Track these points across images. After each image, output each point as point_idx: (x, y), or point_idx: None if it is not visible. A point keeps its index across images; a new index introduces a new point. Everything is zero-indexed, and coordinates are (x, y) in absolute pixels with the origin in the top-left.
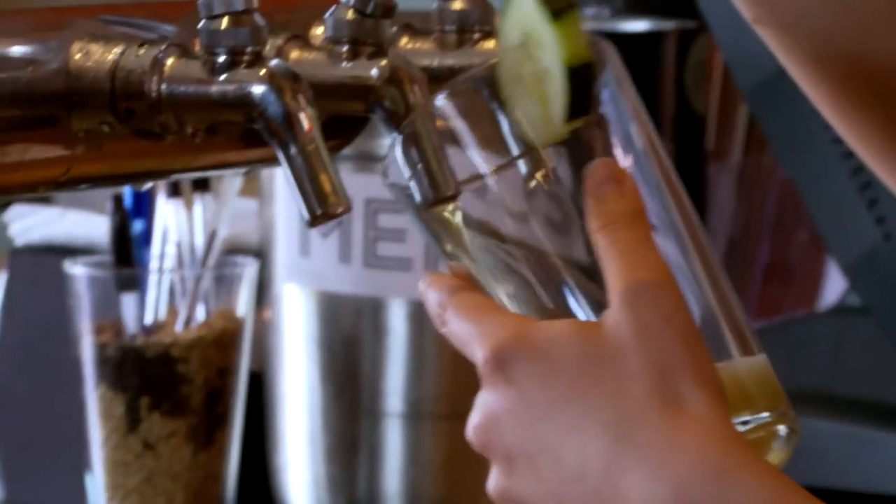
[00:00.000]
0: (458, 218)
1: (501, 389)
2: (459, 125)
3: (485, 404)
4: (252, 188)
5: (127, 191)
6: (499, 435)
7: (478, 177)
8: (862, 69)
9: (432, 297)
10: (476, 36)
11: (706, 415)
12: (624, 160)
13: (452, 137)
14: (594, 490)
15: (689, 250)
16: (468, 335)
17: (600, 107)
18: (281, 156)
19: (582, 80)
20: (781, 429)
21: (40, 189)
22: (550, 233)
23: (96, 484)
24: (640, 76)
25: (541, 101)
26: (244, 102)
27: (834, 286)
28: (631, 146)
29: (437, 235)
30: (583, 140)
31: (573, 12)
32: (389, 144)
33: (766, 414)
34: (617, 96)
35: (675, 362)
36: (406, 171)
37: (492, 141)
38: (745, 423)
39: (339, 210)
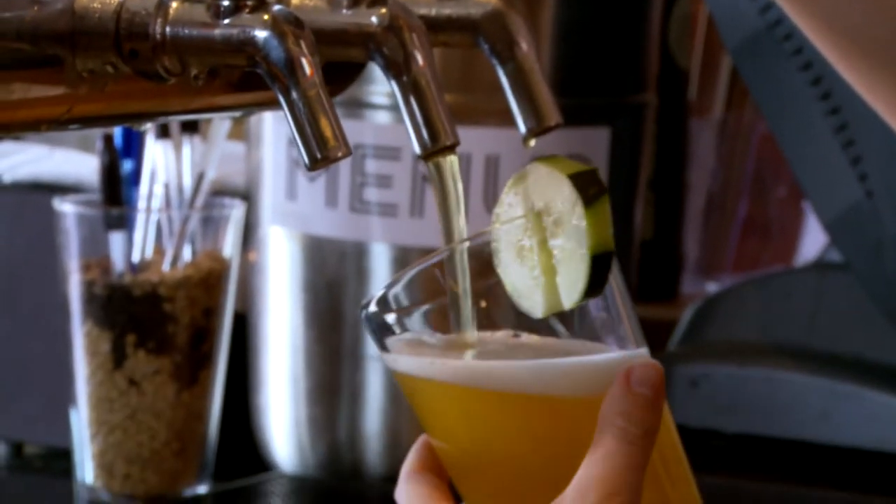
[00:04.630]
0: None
1: None
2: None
3: None
4: (240, 131)
5: (117, 131)
6: None
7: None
8: (869, 36)
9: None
10: None
11: None
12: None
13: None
14: None
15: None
16: None
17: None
18: (282, 100)
19: (602, 267)
20: None
21: (42, 127)
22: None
23: (80, 419)
24: (625, 30)
25: (546, 271)
26: (247, 47)
27: (811, 243)
28: (623, 344)
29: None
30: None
31: (604, 199)
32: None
33: None
34: (613, 300)
35: None
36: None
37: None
38: None
39: (340, 154)
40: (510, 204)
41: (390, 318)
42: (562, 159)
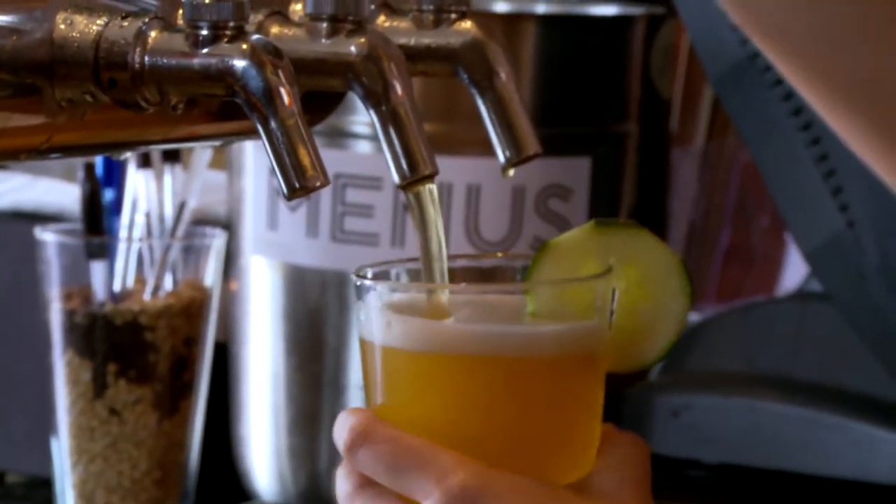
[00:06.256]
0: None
1: None
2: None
3: None
4: (221, 160)
5: (98, 160)
6: None
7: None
8: (840, 71)
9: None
10: (453, 16)
11: None
12: None
13: None
14: None
15: None
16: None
17: None
18: (261, 129)
19: (670, 353)
20: None
21: (21, 156)
22: None
23: (61, 448)
24: (607, 60)
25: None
26: (226, 76)
27: (794, 272)
28: None
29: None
30: None
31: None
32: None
33: None
34: None
35: None
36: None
37: None
38: None
39: (318, 184)
40: (575, 247)
41: (373, 283)
42: (647, 230)
